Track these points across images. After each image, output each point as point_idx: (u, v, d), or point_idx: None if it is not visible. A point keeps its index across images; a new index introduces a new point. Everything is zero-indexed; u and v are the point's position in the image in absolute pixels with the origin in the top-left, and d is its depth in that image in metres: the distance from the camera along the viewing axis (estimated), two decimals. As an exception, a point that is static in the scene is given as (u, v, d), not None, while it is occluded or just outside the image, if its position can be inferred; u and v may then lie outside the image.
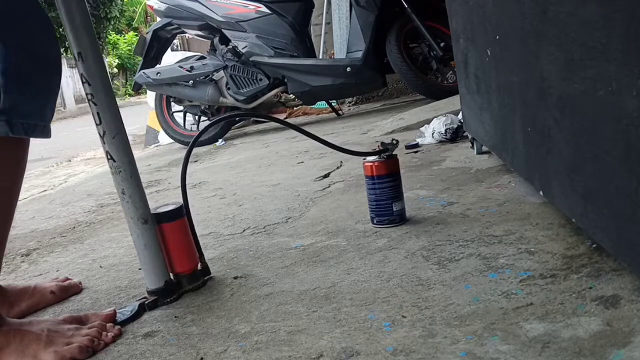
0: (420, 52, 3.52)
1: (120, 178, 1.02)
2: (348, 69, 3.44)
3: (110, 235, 1.70)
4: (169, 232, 1.07)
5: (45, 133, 0.97)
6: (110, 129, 1.01)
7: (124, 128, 1.03)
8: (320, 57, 4.20)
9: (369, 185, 1.26)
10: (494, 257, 0.97)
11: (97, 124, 1.01)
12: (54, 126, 0.99)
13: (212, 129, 3.61)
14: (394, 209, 1.25)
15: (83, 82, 0.99)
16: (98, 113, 1.00)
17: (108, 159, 1.02)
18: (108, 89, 1.01)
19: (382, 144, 1.24)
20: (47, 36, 0.97)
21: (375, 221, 1.27)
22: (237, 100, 3.67)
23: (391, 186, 1.24)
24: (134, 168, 1.04)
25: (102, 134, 1.01)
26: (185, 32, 4.00)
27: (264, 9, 3.62)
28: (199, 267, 1.12)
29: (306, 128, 1.43)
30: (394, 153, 1.26)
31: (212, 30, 3.72)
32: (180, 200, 1.11)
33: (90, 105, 1.00)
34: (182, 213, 1.09)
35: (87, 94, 1.00)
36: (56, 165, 5.05)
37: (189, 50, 9.65)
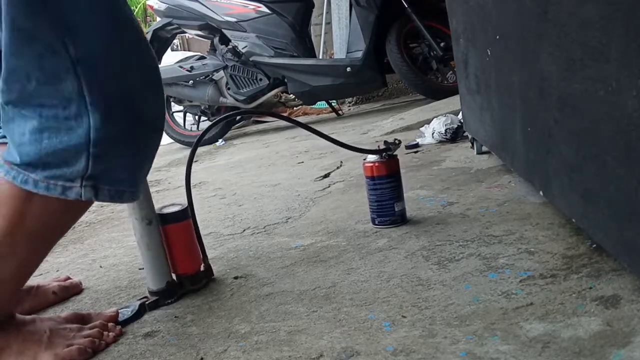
0: (420, 52, 3.52)
1: None
2: (348, 69, 3.43)
3: (110, 235, 1.70)
4: (174, 234, 1.07)
5: (134, 198, 0.86)
6: None
7: None
8: (320, 57, 4.20)
9: (369, 186, 1.26)
10: (494, 257, 0.97)
11: None
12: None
13: (213, 128, 3.61)
14: (396, 209, 1.25)
15: None
16: None
17: None
18: None
19: (385, 142, 1.24)
20: (150, 87, 0.82)
21: (376, 222, 1.27)
22: (237, 100, 3.67)
23: (392, 186, 1.24)
24: None
25: None
26: (185, 32, 4.00)
27: (264, 9, 3.62)
28: (202, 267, 1.12)
29: (306, 128, 1.42)
30: (394, 153, 1.26)
31: (212, 30, 3.72)
32: (183, 201, 1.11)
33: None
34: (187, 214, 1.09)
35: None
36: (56, 166, 5.04)
37: (189, 50, 9.64)
